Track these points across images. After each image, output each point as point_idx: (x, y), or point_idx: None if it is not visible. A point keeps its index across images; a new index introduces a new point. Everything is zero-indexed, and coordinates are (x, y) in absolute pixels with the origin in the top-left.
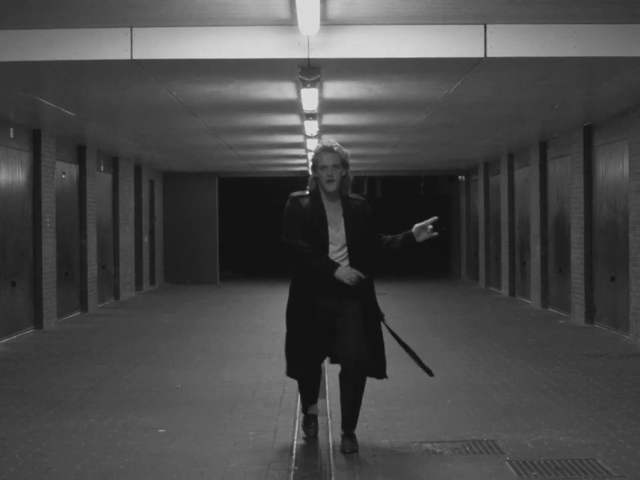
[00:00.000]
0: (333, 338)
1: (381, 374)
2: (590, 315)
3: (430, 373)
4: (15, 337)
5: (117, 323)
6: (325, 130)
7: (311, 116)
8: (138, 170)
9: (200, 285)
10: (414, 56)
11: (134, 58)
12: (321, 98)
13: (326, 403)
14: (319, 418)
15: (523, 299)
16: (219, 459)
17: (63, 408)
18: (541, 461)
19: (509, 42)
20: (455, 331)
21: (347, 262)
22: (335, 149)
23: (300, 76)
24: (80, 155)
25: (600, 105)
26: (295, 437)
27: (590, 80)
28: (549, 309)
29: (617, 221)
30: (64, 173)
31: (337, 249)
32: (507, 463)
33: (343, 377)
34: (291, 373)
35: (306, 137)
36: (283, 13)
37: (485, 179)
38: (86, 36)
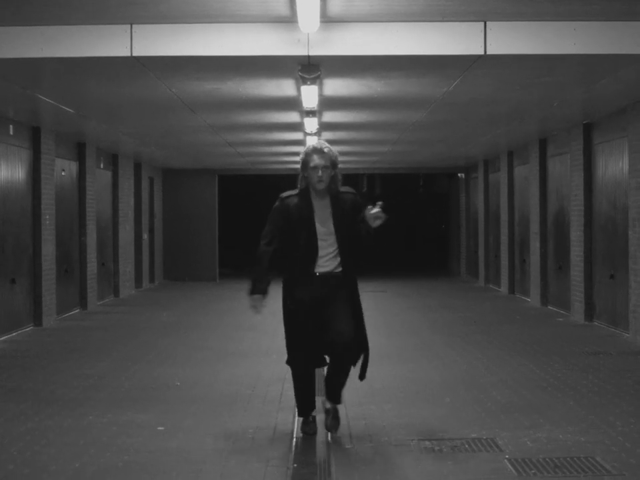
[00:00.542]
0: (323, 327)
1: (364, 356)
2: (589, 313)
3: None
4: (14, 334)
5: (117, 321)
6: (324, 127)
7: (310, 113)
8: (137, 167)
9: (199, 282)
10: (413, 53)
11: (134, 55)
12: (320, 95)
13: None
14: (317, 416)
15: (523, 297)
16: (218, 457)
17: (61, 405)
18: (540, 459)
19: (509, 39)
20: (454, 329)
21: (338, 258)
22: (326, 150)
23: (300, 73)
24: (79, 152)
25: (599, 103)
26: (294, 435)
27: (589, 77)
28: (549, 307)
29: (617, 219)
30: (63, 170)
31: (327, 245)
32: (505, 460)
33: (334, 352)
34: (291, 362)
35: (306, 134)
36: (283, 10)
37: (484, 177)
38: (85, 33)
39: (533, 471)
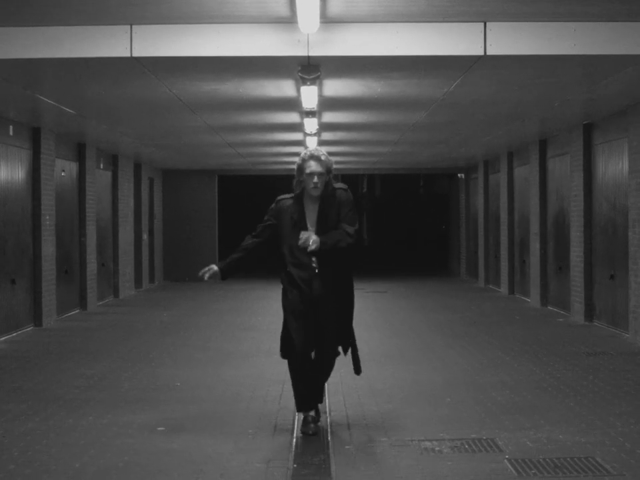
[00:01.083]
0: (314, 325)
1: (344, 351)
2: (589, 313)
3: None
4: (14, 334)
5: (117, 321)
6: (324, 128)
7: (310, 114)
8: (137, 167)
9: (199, 283)
10: (414, 54)
11: (133, 55)
12: (320, 95)
13: (325, 401)
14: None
15: (523, 297)
16: (219, 457)
17: (62, 406)
18: (540, 459)
19: (509, 40)
20: (454, 329)
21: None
22: (322, 157)
23: (300, 73)
24: (79, 153)
25: (599, 103)
26: (295, 435)
27: (589, 78)
28: (549, 307)
29: (617, 219)
30: (63, 171)
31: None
32: (506, 461)
33: (316, 361)
34: (284, 354)
35: (305, 134)
36: (283, 10)
37: (484, 177)
38: (86, 33)
39: (533, 471)
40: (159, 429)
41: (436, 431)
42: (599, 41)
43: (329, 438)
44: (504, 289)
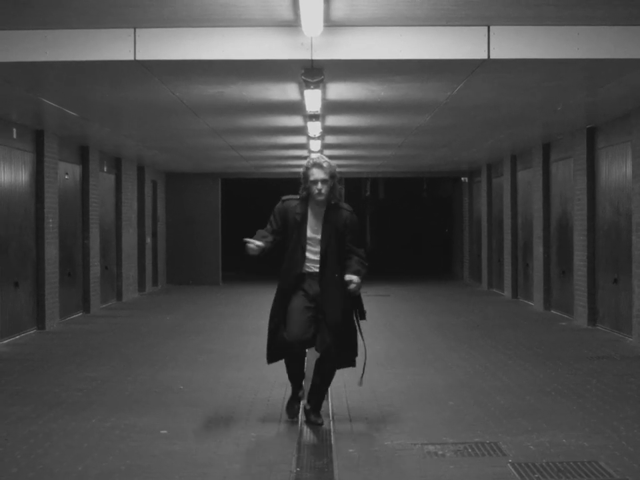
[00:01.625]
0: (314, 323)
1: (350, 362)
2: (593, 317)
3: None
4: (17, 337)
5: (120, 324)
6: (327, 131)
7: (314, 117)
8: (141, 171)
9: (202, 286)
10: (417, 57)
11: (137, 58)
12: (324, 99)
13: (328, 405)
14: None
15: (526, 301)
16: (221, 460)
17: (65, 409)
18: (543, 463)
19: (512, 44)
20: (457, 333)
21: (319, 261)
22: (325, 165)
23: (303, 77)
24: (83, 156)
25: (603, 107)
26: (298, 438)
27: (593, 82)
28: (552, 311)
29: (620, 223)
30: (67, 174)
31: (313, 250)
32: (509, 465)
33: (319, 361)
34: (271, 359)
35: (309, 138)
36: (287, 14)
37: (487, 181)
38: (89, 36)
39: (536, 475)
40: (162, 431)
41: (439, 434)
42: (603, 44)
43: (332, 441)
44: (507, 292)
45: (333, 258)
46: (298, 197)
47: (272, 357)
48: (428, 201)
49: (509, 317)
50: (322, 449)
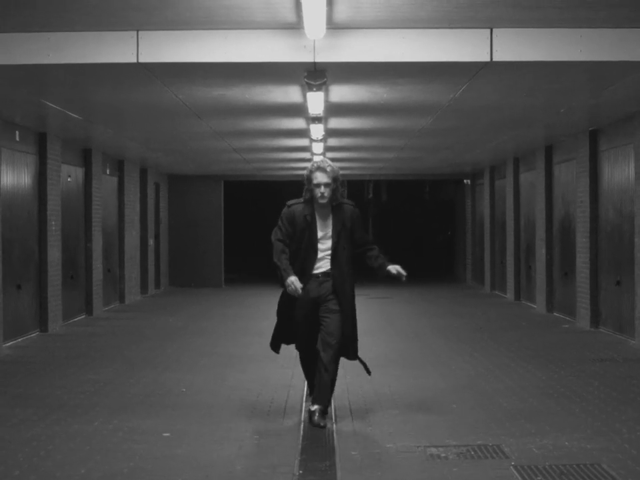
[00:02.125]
0: (316, 325)
1: (353, 355)
2: (595, 320)
3: (368, 371)
4: (20, 339)
5: (122, 326)
6: (330, 133)
7: (316, 119)
8: (143, 173)
9: (205, 288)
10: (420, 60)
11: (140, 61)
12: (326, 101)
13: (331, 407)
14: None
15: (528, 303)
16: (224, 463)
17: (67, 411)
18: (546, 466)
19: (515, 46)
20: (460, 335)
21: (330, 260)
22: (328, 169)
23: (306, 79)
24: (85, 158)
25: (606, 109)
26: (300, 440)
27: (595, 84)
28: (554, 313)
29: (623, 225)
30: (69, 176)
31: (325, 248)
32: (512, 467)
33: (321, 349)
34: (273, 346)
35: (311, 140)
36: (289, 16)
37: (490, 183)
38: (92, 39)
39: (538, 478)
40: (165, 434)
41: (441, 437)
42: (605, 47)
43: (335, 444)
44: (510, 294)
45: (343, 253)
46: (302, 200)
47: (276, 347)
48: (430, 204)
49: (511, 319)
50: (324, 451)
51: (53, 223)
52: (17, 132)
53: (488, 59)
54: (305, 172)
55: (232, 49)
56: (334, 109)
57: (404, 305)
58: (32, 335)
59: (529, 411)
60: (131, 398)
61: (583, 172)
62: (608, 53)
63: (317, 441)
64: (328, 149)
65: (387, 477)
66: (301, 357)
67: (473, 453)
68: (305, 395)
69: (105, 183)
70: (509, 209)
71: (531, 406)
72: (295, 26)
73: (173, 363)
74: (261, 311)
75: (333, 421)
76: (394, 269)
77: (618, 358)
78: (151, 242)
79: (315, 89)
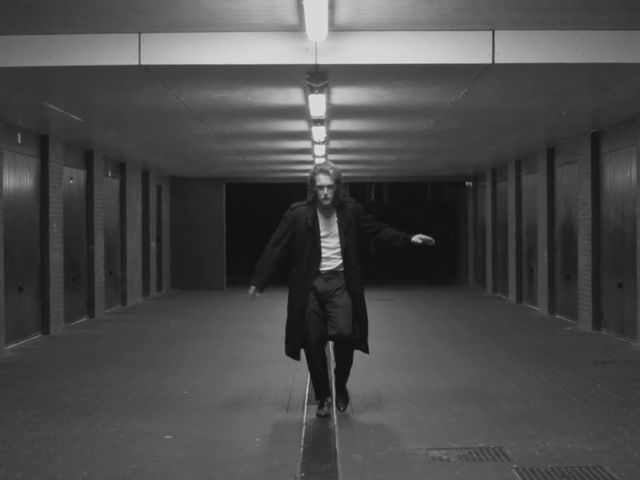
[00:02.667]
0: (325, 320)
1: (365, 349)
2: (597, 322)
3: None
4: (22, 342)
5: (124, 329)
6: (332, 136)
7: (318, 122)
8: (145, 175)
9: (207, 291)
10: (421, 62)
11: (142, 63)
12: (328, 104)
13: (332, 409)
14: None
15: (530, 306)
16: (226, 465)
17: (69, 413)
18: (548, 468)
19: (517, 48)
20: (461, 337)
21: (340, 258)
22: (331, 171)
23: (308, 82)
24: (87, 161)
25: (607, 112)
26: (302, 443)
27: (597, 86)
28: (556, 316)
29: (625, 228)
30: (71, 179)
31: (331, 247)
32: (513, 470)
33: (336, 346)
34: (289, 352)
35: (313, 142)
36: (291, 18)
37: (492, 185)
38: (93, 41)
39: None
40: (167, 437)
41: (443, 439)
42: (607, 49)
43: (337, 446)
44: (512, 297)
45: (352, 252)
46: (305, 202)
47: (291, 352)
48: (432, 206)
49: (513, 321)
50: (326, 453)
51: (55, 225)
52: (19, 134)
53: (490, 61)
54: (308, 174)
55: (234, 52)
56: (336, 112)
57: (406, 307)
58: (34, 338)
59: (530, 413)
60: (132, 400)
61: (584, 174)
62: (609, 55)
63: (319, 444)
64: (330, 151)
65: (389, 479)
66: (307, 354)
67: (474, 455)
68: (306, 398)
69: (107, 186)
70: (510, 212)
71: (532, 408)
72: (297, 28)
73: (174, 365)
74: (262, 313)
75: (334, 423)
76: (418, 238)
77: (620, 360)
78: (153, 244)
79: (316, 92)
